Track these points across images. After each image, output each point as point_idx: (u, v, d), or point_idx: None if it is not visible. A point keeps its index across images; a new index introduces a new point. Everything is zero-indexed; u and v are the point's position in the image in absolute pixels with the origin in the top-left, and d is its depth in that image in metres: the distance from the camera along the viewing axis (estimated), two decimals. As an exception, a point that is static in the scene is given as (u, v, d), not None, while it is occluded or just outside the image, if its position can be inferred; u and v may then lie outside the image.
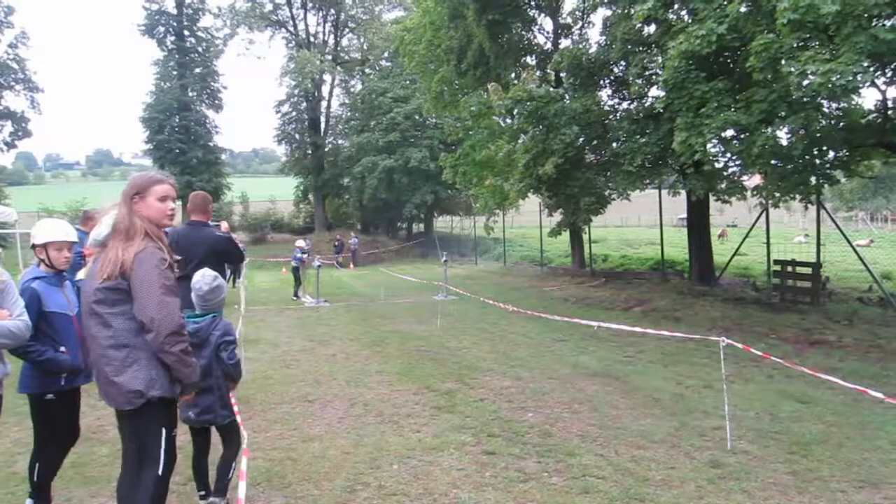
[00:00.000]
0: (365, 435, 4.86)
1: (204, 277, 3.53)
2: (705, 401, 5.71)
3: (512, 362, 7.53)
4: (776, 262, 12.47)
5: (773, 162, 9.32)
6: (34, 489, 3.43)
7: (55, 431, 3.44)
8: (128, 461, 2.85)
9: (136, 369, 2.63)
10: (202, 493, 3.64)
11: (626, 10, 12.42)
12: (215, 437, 3.68)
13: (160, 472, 2.73)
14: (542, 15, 18.55)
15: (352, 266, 28.84)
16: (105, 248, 2.74)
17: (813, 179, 9.72)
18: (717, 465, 4.17)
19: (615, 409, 5.50)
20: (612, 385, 6.39)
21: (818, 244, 11.81)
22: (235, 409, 3.81)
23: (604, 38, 14.57)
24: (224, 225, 6.19)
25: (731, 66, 10.56)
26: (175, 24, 36.29)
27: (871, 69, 7.59)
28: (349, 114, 40.44)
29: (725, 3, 8.72)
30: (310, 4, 38.75)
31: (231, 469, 3.59)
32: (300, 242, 16.70)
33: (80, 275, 3.44)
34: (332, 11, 38.73)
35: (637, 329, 7.06)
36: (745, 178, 12.30)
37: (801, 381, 6.33)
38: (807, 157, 9.28)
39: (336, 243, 32.14)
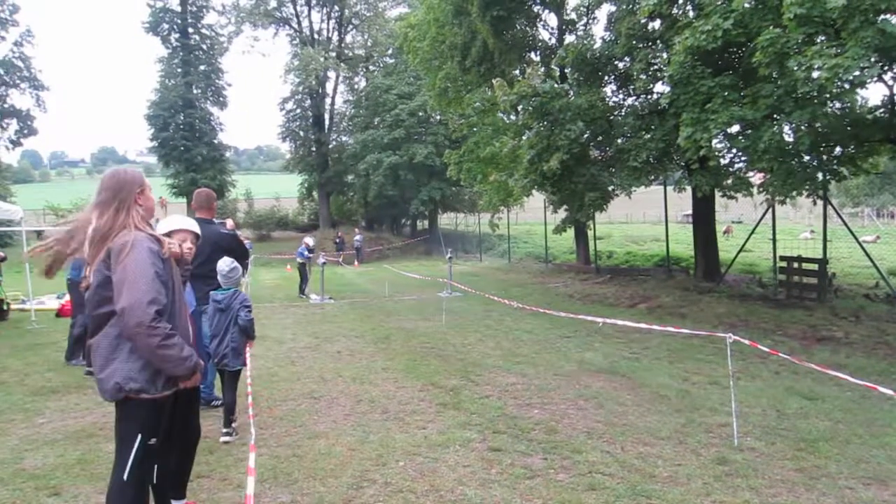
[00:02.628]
0: (370, 432, 4.86)
1: (224, 261, 4.84)
2: (711, 397, 5.69)
3: (517, 359, 7.52)
4: (782, 258, 12.41)
5: (779, 158, 9.28)
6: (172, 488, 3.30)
7: (173, 429, 3.20)
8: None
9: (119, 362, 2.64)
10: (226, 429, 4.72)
11: (630, 6, 12.39)
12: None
13: (125, 478, 2.61)
14: (547, 11, 18.49)
15: (356, 263, 28.80)
16: None
17: (819, 175, 9.67)
18: (723, 461, 4.16)
19: (621, 406, 5.49)
20: (618, 382, 6.38)
21: (824, 240, 11.74)
22: (249, 400, 4.58)
23: (608, 33, 14.55)
24: (230, 222, 6.22)
25: (737, 61, 10.50)
26: (179, 21, 36.32)
27: (879, 64, 7.55)
28: (353, 111, 40.43)
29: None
30: (314, 1, 38.71)
31: (234, 409, 4.77)
32: (308, 239, 16.68)
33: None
34: (336, 8, 38.66)
35: (642, 325, 7.03)
36: (750, 174, 12.26)
37: (807, 377, 6.31)
38: (813, 152, 9.24)
39: (336, 240, 32.11)
